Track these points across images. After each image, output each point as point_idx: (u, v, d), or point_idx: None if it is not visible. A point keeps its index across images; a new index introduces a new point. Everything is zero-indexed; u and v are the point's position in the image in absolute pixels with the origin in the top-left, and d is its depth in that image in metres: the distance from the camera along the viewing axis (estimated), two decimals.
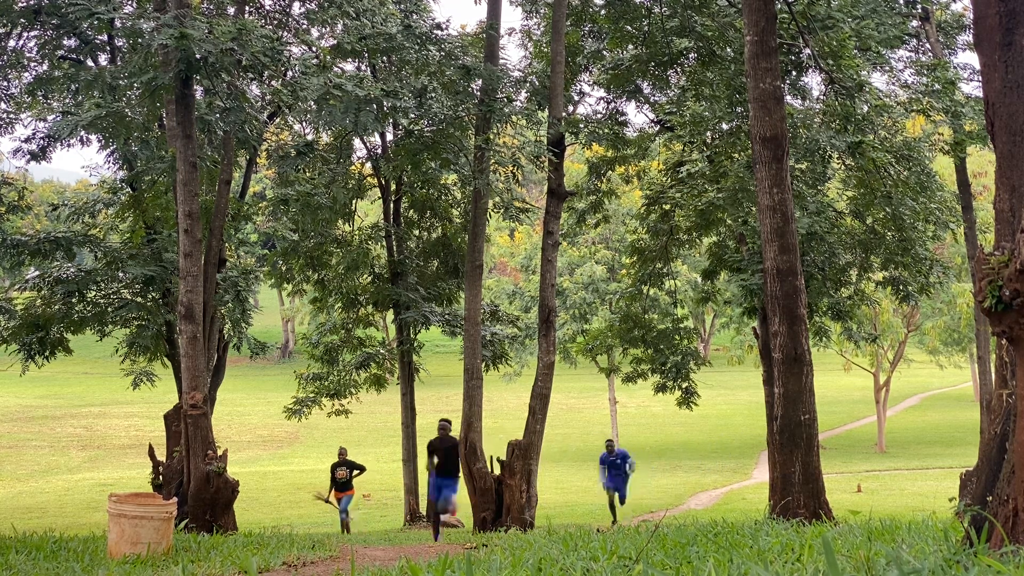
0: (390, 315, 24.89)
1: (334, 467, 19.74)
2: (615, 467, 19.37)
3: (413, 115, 17.93)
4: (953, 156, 22.52)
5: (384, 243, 23.66)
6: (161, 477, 16.05)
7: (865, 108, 19.19)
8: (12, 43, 19.38)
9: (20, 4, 17.89)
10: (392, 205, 23.62)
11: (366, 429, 54.16)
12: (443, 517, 15.38)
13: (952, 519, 6.19)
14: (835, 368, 60.97)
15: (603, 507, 31.42)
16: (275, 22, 20.20)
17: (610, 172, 23.17)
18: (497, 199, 19.56)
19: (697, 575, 3.75)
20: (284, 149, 21.85)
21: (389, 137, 22.94)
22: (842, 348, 46.10)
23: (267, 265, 24.72)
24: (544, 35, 22.12)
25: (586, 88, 23.52)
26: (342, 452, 20.22)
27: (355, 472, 19.73)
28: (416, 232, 23.83)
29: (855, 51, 18.72)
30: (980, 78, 5.13)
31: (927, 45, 24.06)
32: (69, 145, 21.12)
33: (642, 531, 6.69)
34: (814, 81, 21.86)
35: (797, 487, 10.84)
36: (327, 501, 19.91)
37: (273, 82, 18.17)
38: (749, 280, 19.33)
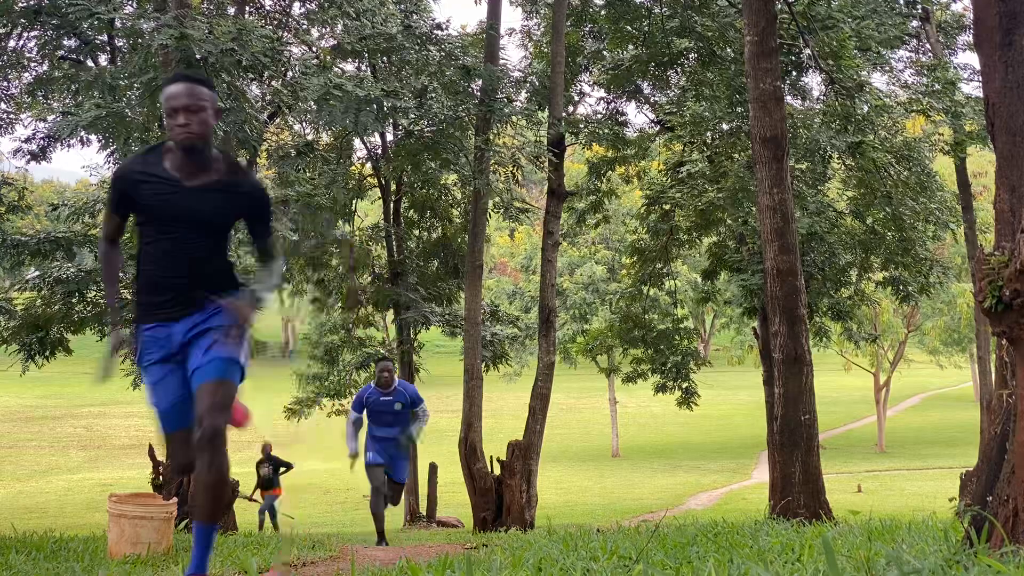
0: (390, 315, 24.89)
1: (258, 464, 19.31)
2: (388, 418, 10.05)
3: (413, 115, 17.93)
4: (953, 156, 22.52)
5: (384, 243, 23.67)
6: (161, 477, 16.05)
7: (865, 108, 19.19)
8: (12, 43, 19.39)
9: (20, 4, 17.90)
10: (392, 205, 23.63)
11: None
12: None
13: (952, 519, 6.19)
14: (835, 368, 60.99)
15: (604, 507, 31.34)
16: (275, 22, 20.21)
17: (610, 172, 23.17)
18: (497, 199, 19.56)
19: (697, 575, 3.76)
20: (284, 149, 21.85)
21: (389, 137, 22.95)
22: (842, 348, 46.12)
23: None
24: (544, 35, 22.13)
25: (586, 88, 23.55)
26: (266, 448, 19.69)
27: (281, 469, 19.27)
28: (416, 232, 23.84)
29: (855, 51, 18.72)
30: (980, 78, 5.13)
31: (927, 45, 24.06)
32: (69, 145, 21.11)
33: (642, 531, 6.69)
34: (814, 81, 21.87)
35: (797, 487, 10.84)
36: (250, 499, 18.88)
37: (273, 82, 18.17)
38: (749, 280, 19.34)
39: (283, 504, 19.62)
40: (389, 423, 9.94)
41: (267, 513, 19.01)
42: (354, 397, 10.44)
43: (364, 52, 17.89)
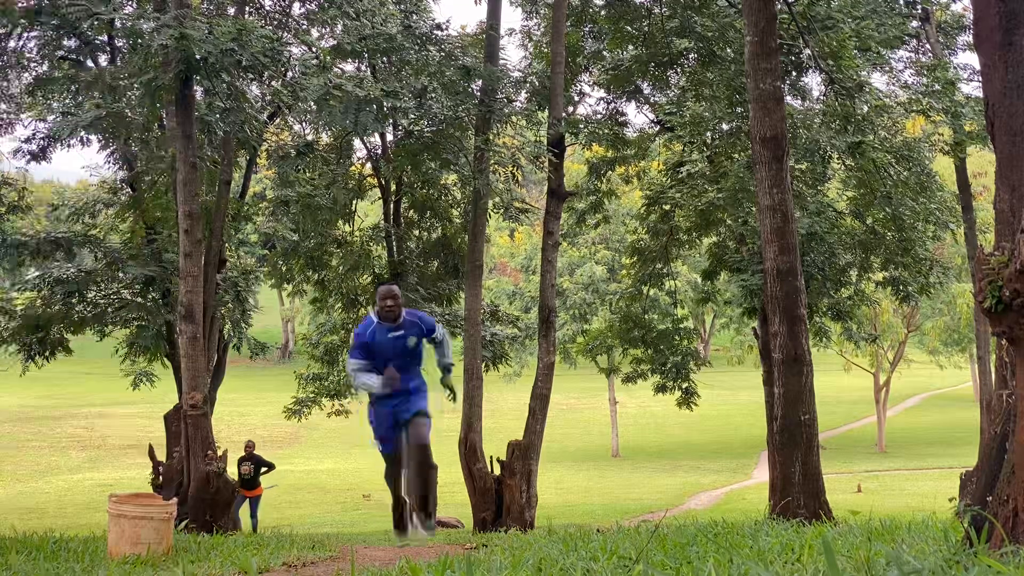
0: None
1: (240, 462, 19.18)
2: (399, 362, 7.95)
3: (413, 115, 17.94)
4: (953, 156, 22.52)
5: (384, 243, 23.66)
6: (161, 477, 16.06)
7: (865, 108, 19.19)
8: (12, 43, 19.39)
9: (20, 4, 17.90)
10: (392, 206, 23.61)
11: (366, 429, 54.18)
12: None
13: (952, 519, 6.19)
14: (835, 368, 61.00)
15: (604, 507, 31.34)
16: (275, 22, 20.21)
17: (610, 172, 23.16)
18: (497, 199, 19.56)
19: (697, 575, 3.76)
20: (284, 149, 21.85)
21: (389, 137, 22.94)
22: (842, 348, 46.15)
23: (267, 265, 24.73)
24: (544, 35, 22.13)
25: (586, 88, 23.54)
26: (248, 446, 19.52)
27: (263, 469, 19.11)
28: (416, 232, 23.83)
29: (855, 51, 18.72)
30: (980, 78, 5.13)
31: (927, 45, 24.07)
32: (69, 145, 21.15)
33: (642, 531, 6.70)
34: (814, 81, 21.88)
35: (797, 487, 10.84)
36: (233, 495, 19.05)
37: (273, 82, 18.18)
38: (749, 280, 19.33)
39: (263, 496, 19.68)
40: (401, 368, 7.67)
41: (253, 516, 18.94)
42: (353, 340, 7.73)
43: (364, 52, 17.89)
